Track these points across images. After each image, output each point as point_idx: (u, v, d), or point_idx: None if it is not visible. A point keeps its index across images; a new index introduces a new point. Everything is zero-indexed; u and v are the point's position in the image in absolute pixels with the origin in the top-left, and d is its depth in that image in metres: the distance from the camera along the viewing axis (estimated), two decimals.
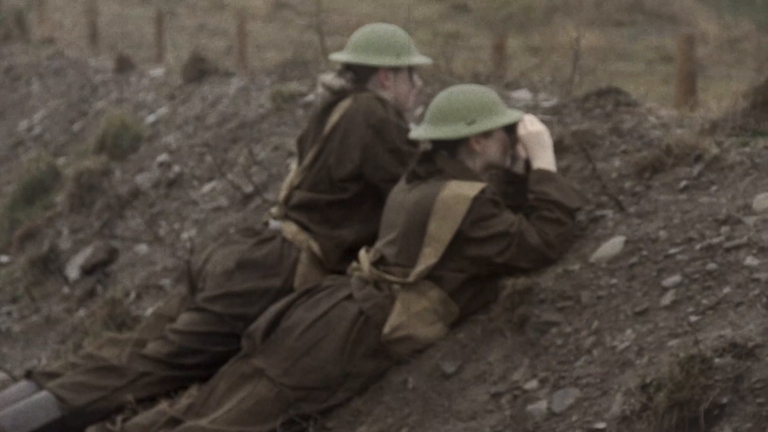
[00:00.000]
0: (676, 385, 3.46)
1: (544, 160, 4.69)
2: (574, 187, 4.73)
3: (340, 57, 5.32)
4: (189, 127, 8.76)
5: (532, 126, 4.72)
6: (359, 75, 5.26)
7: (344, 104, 5.18)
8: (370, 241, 4.94)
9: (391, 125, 5.11)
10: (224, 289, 5.13)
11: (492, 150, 4.71)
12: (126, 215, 7.87)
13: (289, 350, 4.54)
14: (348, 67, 5.29)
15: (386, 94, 5.23)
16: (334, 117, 5.19)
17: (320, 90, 5.34)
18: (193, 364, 5.10)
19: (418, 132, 4.78)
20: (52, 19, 18.11)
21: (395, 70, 5.24)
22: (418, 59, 5.27)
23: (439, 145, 4.71)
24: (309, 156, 5.27)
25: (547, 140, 4.72)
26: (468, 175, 4.62)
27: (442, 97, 4.74)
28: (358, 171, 5.14)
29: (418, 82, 5.32)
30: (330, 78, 5.28)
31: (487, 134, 4.69)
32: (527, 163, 4.74)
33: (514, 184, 4.73)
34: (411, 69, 5.27)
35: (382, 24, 5.39)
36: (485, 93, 4.74)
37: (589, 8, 22.84)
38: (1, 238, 9.02)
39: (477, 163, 4.70)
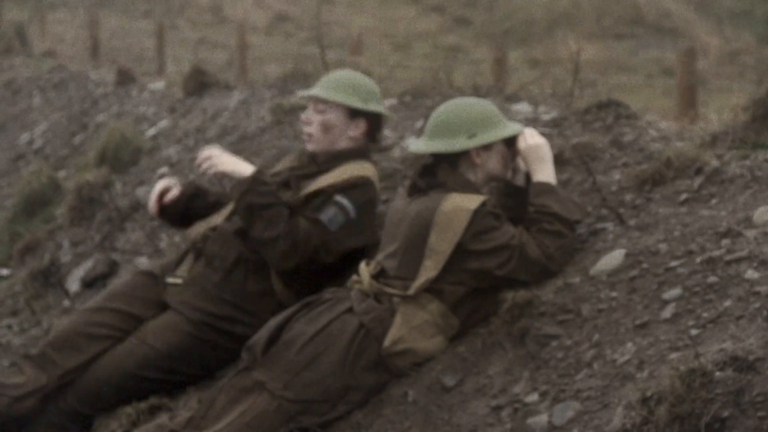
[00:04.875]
0: (677, 399, 3.45)
1: (544, 173, 4.69)
2: (574, 200, 4.72)
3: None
4: (189, 140, 8.76)
5: (531, 139, 4.72)
6: None
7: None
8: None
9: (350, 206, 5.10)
10: None
11: (492, 163, 4.71)
12: (126, 228, 7.87)
13: (290, 363, 4.53)
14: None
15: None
16: None
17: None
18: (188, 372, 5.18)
19: (417, 145, 4.78)
20: (53, 33, 18.15)
21: None
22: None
23: (439, 158, 4.71)
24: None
25: (547, 153, 4.72)
26: (469, 187, 4.62)
27: (442, 111, 4.73)
28: None
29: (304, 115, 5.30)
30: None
31: (487, 147, 4.68)
32: (527, 176, 4.74)
33: (513, 197, 4.73)
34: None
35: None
36: (485, 106, 4.73)
37: (589, 21, 22.89)
38: (2, 251, 9.02)
39: (478, 176, 4.69)
